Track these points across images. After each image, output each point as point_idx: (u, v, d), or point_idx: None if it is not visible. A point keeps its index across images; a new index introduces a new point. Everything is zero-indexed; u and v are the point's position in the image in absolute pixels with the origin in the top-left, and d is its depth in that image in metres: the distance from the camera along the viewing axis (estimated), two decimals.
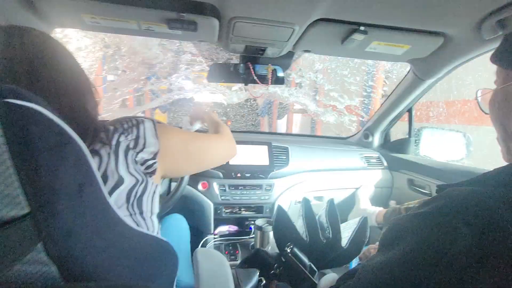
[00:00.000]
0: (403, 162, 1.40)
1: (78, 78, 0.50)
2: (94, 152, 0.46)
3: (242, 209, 1.31)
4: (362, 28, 0.82)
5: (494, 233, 0.31)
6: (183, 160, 0.65)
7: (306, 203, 0.93)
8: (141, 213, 0.51)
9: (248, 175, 1.25)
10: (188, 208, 1.26)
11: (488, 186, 0.38)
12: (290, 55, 1.11)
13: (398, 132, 1.63)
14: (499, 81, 0.44)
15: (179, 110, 6.68)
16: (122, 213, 0.44)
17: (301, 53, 1.09)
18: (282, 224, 0.89)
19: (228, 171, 1.24)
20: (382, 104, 1.44)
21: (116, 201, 0.47)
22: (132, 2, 0.73)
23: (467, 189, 0.37)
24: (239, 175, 1.25)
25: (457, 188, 0.39)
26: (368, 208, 1.27)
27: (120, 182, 0.48)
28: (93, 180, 0.36)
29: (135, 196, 0.50)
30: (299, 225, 0.91)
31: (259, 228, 1.12)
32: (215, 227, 1.28)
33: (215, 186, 1.23)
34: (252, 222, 1.29)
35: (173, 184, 1.19)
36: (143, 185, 0.52)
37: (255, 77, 1.14)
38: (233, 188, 1.24)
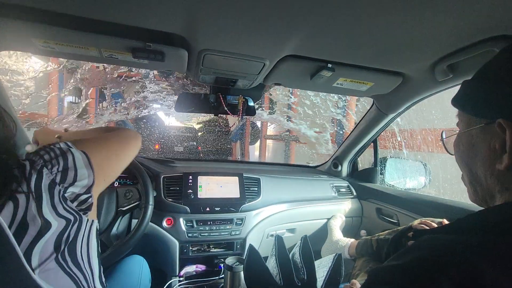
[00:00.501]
0: (371, 191, 1.43)
1: None
2: (9, 197, 0.37)
3: (211, 246, 1.21)
4: (329, 65, 0.86)
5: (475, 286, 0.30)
6: (111, 171, 0.57)
7: (279, 241, 0.88)
8: (74, 261, 0.42)
9: (217, 209, 1.18)
10: (150, 247, 1.14)
11: (465, 234, 0.37)
12: (261, 86, 1.12)
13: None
14: (462, 125, 0.45)
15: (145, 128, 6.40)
16: (52, 268, 0.36)
17: (272, 85, 1.10)
18: (253, 266, 0.82)
19: (196, 205, 1.16)
20: (349, 135, 1.50)
21: (42, 253, 0.38)
22: (93, 29, 0.68)
23: (446, 239, 0.36)
24: (208, 209, 1.17)
25: (435, 237, 0.37)
26: (341, 240, 1.25)
27: (45, 228, 0.39)
28: (6, 252, 0.29)
29: (67, 242, 0.41)
30: (272, 265, 0.86)
31: (229, 268, 1.03)
32: (181, 268, 1.17)
33: (181, 222, 1.14)
34: (222, 260, 1.20)
35: (134, 221, 1.08)
36: (75, 225, 0.43)
37: (226, 108, 1.11)
38: (201, 224, 1.16)
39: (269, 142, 5.88)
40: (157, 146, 6.42)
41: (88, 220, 0.46)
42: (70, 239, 0.42)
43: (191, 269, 1.18)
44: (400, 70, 0.91)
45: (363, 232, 1.43)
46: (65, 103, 4.58)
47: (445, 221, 0.95)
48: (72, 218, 0.43)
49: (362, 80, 0.96)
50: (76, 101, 4.68)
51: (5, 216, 0.36)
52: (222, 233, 1.18)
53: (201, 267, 1.20)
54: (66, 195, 0.44)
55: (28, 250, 0.36)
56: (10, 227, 0.36)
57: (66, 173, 0.44)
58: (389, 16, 0.59)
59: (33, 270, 0.36)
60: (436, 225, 0.94)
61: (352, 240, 1.22)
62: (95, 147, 0.54)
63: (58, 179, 0.43)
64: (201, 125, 7.12)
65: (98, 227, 0.49)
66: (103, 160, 0.54)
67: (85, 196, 0.46)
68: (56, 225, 0.40)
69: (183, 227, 1.13)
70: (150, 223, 1.07)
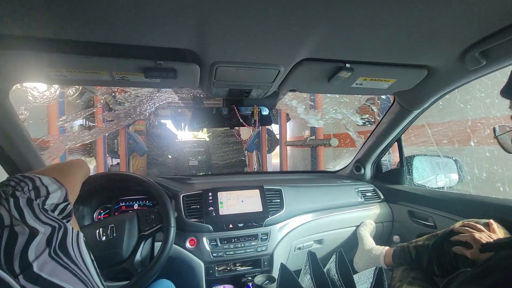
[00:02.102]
0: (400, 193, 1.35)
1: None
2: None
3: (237, 265, 1.16)
4: (348, 65, 0.81)
5: None
6: (73, 184, 0.66)
7: (312, 257, 0.82)
8: (67, 257, 0.43)
9: (241, 225, 1.13)
10: (175, 270, 1.09)
11: None
12: (275, 94, 1.08)
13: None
14: None
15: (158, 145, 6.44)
16: (45, 261, 0.38)
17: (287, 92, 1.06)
18: (288, 287, 0.76)
19: (218, 223, 1.11)
20: (370, 135, 1.43)
21: (37, 248, 0.39)
22: (103, 53, 0.66)
23: None
24: (231, 226, 1.12)
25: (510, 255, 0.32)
26: (374, 249, 1.17)
27: (34, 233, 0.40)
28: None
29: (56, 240, 0.43)
30: (307, 283, 0.80)
31: (259, 287, 0.98)
32: None
33: (205, 241, 1.09)
34: (250, 278, 1.14)
35: (157, 244, 1.05)
36: (61, 231, 0.45)
37: (241, 120, 1.08)
38: (225, 242, 1.11)
39: (289, 149, 5.47)
40: (170, 156, 6.55)
41: (73, 229, 0.48)
42: (59, 239, 0.44)
43: None
44: (424, 63, 0.85)
45: (396, 237, 1.34)
46: (74, 126, 4.70)
47: (493, 223, 0.86)
48: (56, 225, 0.45)
49: (383, 77, 0.91)
50: (87, 125, 4.81)
51: None
52: (247, 250, 1.13)
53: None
54: (46, 207, 0.47)
55: (24, 251, 0.38)
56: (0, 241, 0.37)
57: (39, 190, 0.49)
58: (411, 5, 0.54)
59: (31, 264, 0.37)
60: (482, 227, 0.86)
61: (387, 248, 1.14)
62: (51, 170, 0.64)
63: (33, 196, 0.47)
64: (212, 137, 7.12)
65: (85, 240, 0.50)
66: (64, 176, 0.61)
67: (63, 204, 0.51)
68: (43, 230, 0.42)
69: (207, 247, 1.09)
70: (174, 245, 1.04)
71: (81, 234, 0.50)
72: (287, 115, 4.97)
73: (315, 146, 4.46)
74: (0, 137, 0.85)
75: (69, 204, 0.53)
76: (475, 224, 0.87)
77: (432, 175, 1.40)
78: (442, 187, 1.36)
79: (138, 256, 0.93)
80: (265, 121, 1.14)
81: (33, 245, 0.40)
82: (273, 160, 6.41)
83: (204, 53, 0.71)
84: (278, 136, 5.25)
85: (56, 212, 0.50)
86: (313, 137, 4.49)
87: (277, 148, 5.38)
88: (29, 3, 0.48)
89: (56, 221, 0.46)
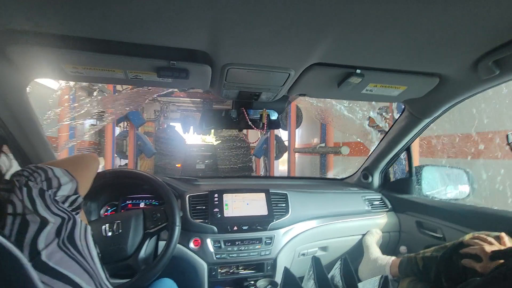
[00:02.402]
0: (409, 203, 1.32)
1: None
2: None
3: (240, 268, 1.15)
4: (358, 71, 0.81)
5: None
6: (85, 178, 0.66)
7: (316, 263, 0.81)
8: (75, 248, 0.44)
9: (245, 227, 1.13)
10: (177, 270, 1.09)
11: None
12: (284, 99, 1.08)
13: None
14: None
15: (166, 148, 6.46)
16: (53, 250, 0.39)
17: (296, 96, 1.07)
18: None
19: (223, 224, 1.11)
20: (379, 143, 1.41)
21: (46, 239, 0.41)
22: (119, 51, 0.68)
23: None
24: (235, 228, 1.12)
25: None
26: (380, 258, 1.15)
27: (44, 222, 0.42)
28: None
29: (65, 232, 0.44)
30: None
31: None
32: None
33: (209, 242, 1.09)
34: (252, 282, 1.13)
35: (161, 243, 1.05)
36: (71, 222, 0.46)
37: (250, 122, 1.09)
38: (229, 244, 1.11)
39: (297, 156, 5.26)
40: (179, 165, 6.56)
41: (82, 222, 0.49)
42: (68, 230, 0.45)
43: None
44: (436, 71, 0.85)
45: (403, 248, 1.31)
46: (85, 126, 4.77)
47: (504, 236, 0.84)
48: (66, 216, 0.46)
49: (394, 84, 0.90)
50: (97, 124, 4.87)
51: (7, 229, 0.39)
52: (251, 254, 1.12)
53: None
54: (57, 198, 0.49)
55: (34, 239, 0.39)
56: (11, 229, 0.39)
57: (51, 181, 0.50)
58: (424, 12, 0.54)
59: (40, 252, 0.38)
60: (493, 240, 0.83)
61: (393, 258, 1.12)
62: (63, 162, 0.66)
63: (45, 187, 0.48)
64: (220, 141, 7.11)
65: (92, 234, 0.51)
66: (75, 170, 0.61)
67: (74, 196, 0.53)
68: (54, 220, 0.43)
69: (211, 248, 1.09)
70: (178, 245, 1.04)
71: (89, 228, 0.50)
72: (298, 120, 4.87)
73: (325, 154, 4.33)
74: (15, 129, 0.87)
75: (79, 197, 0.55)
76: (485, 236, 0.85)
77: (441, 186, 1.37)
78: (455, 199, 1.33)
79: (142, 253, 0.94)
80: (274, 124, 1.14)
81: (43, 234, 0.41)
82: (281, 166, 6.32)
83: (216, 54, 0.72)
84: (286, 143, 5.19)
85: (66, 204, 0.51)
86: (323, 145, 4.35)
87: (285, 155, 5.29)
88: (51, 2, 0.50)
89: (66, 212, 0.47)
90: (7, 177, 0.48)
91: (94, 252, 0.48)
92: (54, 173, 0.52)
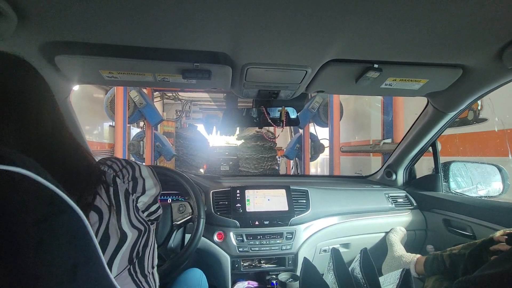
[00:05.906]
0: (435, 200, 1.28)
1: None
2: (94, 209, 0.39)
3: (262, 262, 1.19)
4: (376, 65, 0.81)
5: None
6: None
7: (336, 254, 0.82)
8: (142, 272, 0.44)
9: (266, 222, 1.16)
10: (203, 262, 1.15)
11: None
12: (303, 96, 1.11)
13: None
14: None
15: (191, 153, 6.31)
16: (124, 277, 0.38)
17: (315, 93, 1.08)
18: (310, 281, 0.77)
19: (245, 219, 1.16)
20: (402, 140, 1.38)
21: (120, 264, 0.40)
22: (149, 56, 0.75)
23: None
24: (257, 223, 1.16)
25: None
26: (404, 256, 1.12)
27: (123, 239, 0.40)
28: (91, 256, 0.29)
29: (137, 255, 0.43)
30: (330, 280, 0.80)
31: (283, 284, 0.99)
32: (233, 284, 1.15)
33: (232, 236, 1.14)
34: (274, 276, 1.16)
35: (187, 236, 1.11)
36: (145, 236, 0.44)
37: (269, 120, 1.12)
38: (251, 238, 1.15)
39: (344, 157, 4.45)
40: (205, 166, 6.50)
41: (154, 240, 0.48)
42: (140, 251, 0.43)
43: (243, 285, 1.16)
44: (459, 62, 0.82)
45: (430, 247, 1.27)
46: (104, 127, 4.75)
47: None
48: (142, 228, 0.44)
49: (414, 78, 0.89)
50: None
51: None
52: (272, 248, 1.15)
53: (253, 284, 1.18)
54: (138, 205, 0.45)
55: (110, 262, 0.38)
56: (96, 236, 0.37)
57: (136, 182, 0.46)
58: (444, 1, 0.53)
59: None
60: None
61: (418, 255, 1.09)
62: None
63: (130, 189, 0.45)
64: (244, 142, 6.89)
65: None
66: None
67: (154, 206, 0.49)
68: (131, 236, 0.42)
69: (234, 242, 1.13)
70: (202, 238, 1.10)
71: (155, 246, 0.49)
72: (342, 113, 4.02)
73: (388, 153, 3.07)
74: None
75: (159, 208, 0.50)
76: None
77: (471, 183, 1.31)
78: (486, 196, 1.27)
79: (170, 244, 1.00)
80: (293, 121, 1.17)
81: (119, 256, 0.39)
82: (312, 169, 5.79)
83: (236, 55, 0.77)
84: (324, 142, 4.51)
85: (146, 214, 0.48)
86: (389, 141, 3.33)
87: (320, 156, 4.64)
88: (91, 16, 0.58)
89: (143, 223, 0.45)
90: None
91: (155, 263, 0.48)
92: (141, 173, 0.49)
